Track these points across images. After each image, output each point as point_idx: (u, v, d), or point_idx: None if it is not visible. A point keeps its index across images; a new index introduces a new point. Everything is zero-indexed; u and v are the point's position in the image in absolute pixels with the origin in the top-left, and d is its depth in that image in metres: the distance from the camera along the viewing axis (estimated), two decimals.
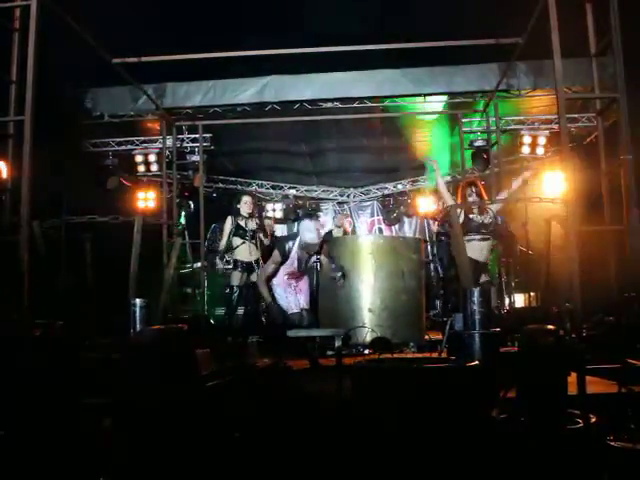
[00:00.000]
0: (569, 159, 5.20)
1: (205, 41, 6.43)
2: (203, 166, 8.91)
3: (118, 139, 9.43)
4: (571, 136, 8.49)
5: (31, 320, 3.67)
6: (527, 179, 6.70)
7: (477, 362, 2.85)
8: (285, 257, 5.41)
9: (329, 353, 5.60)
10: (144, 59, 6.34)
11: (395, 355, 5.71)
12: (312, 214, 10.52)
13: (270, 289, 5.41)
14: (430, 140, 9.80)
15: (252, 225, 6.14)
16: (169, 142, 8.83)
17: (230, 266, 6.63)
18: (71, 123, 7.77)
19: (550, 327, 3.00)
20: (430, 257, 10.10)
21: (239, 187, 11.86)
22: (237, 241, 6.14)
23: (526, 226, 8.60)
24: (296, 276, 5.45)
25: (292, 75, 7.67)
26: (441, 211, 10.65)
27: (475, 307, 4.25)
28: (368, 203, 12.85)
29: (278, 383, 3.17)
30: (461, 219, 5.75)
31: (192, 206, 10.50)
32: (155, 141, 9.48)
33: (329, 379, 3.94)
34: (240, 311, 7.27)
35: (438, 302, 9.15)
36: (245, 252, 6.12)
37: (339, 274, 5.22)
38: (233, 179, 11.89)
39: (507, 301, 7.53)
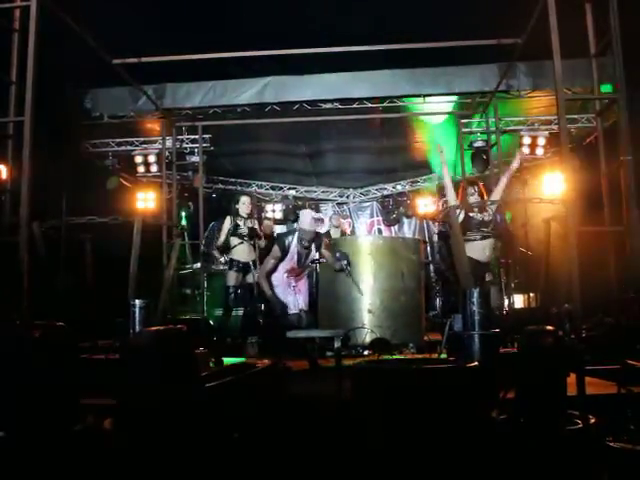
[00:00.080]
0: (569, 160, 5.21)
1: (205, 42, 6.43)
2: (203, 167, 8.93)
3: (118, 140, 9.43)
4: (571, 137, 8.50)
5: (31, 320, 3.67)
6: (522, 160, 6.66)
7: (476, 363, 2.85)
8: (285, 252, 5.43)
9: (328, 354, 5.60)
10: (144, 60, 6.35)
11: (394, 356, 5.73)
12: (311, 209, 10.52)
13: (270, 284, 5.42)
14: (431, 141, 9.79)
15: (250, 226, 6.14)
16: (169, 143, 8.84)
17: (226, 266, 6.61)
18: (71, 124, 7.77)
19: (549, 328, 3.00)
20: (430, 258, 10.11)
21: (239, 188, 11.86)
22: (235, 241, 6.13)
23: (526, 227, 8.61)
24: (296, 273, 5.45)
25: (292, 76, 7.67)
26: (441, 211, 10.66)
27: (474, 308, 4.25)
28: (367, 204, 12.86)
29: (277, 384, 3.18)
30: (461, 217, 5.74)
31: (192, 207, 10.51)
32: (155, 142, 9.48)
33: (328, 380, 3.95)
34: (239, 312, 7.27)
35: (438, 303, 9.16)
36: (242, 252, 6.11)
37: (344, 262, 5.19)
38: (233, 180, 11.89)
39: (506, 302, 7.52)
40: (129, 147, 9.51)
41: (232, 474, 2.45)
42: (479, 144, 8.94)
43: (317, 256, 5.48)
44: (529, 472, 2.55)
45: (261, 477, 2.58)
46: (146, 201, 10.07)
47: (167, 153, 8.90)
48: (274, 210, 11.86)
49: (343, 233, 9.45)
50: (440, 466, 2.39)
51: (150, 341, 2.46)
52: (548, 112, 8.66)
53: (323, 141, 10.00)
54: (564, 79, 5.04)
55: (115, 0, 5.75)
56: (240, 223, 6.17)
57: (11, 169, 5.05)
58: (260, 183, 12.19)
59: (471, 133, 9.11)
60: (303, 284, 5.61)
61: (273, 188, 12.31)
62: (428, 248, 10.48)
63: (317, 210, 12.56)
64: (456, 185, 6.32)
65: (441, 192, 11.41)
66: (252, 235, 5.98)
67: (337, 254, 5.24)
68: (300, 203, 12.14)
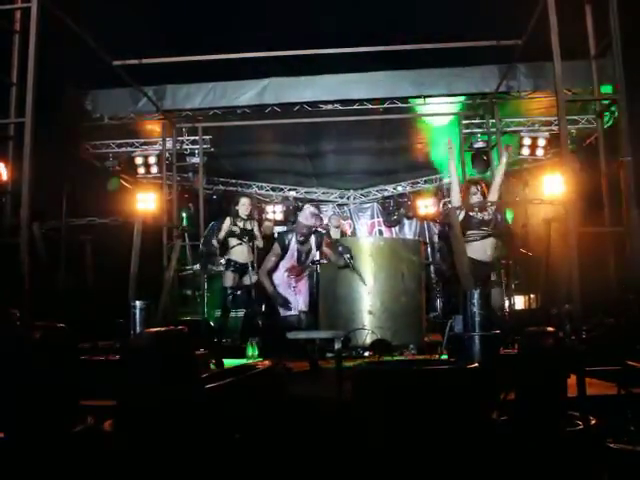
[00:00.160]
0: (569, 161, 5.21)
1: (205, 43, 6.44)
2: (203, 168, 8.94)
3: (118, 141, 9.43)
4: (571, 137, 8.50)
5: (31, 321, 3.67)
6: (510, 153, 6.66)
7: (477, 364, 2.85)
8: (285, 250, 5.43)
9: (329, 355, 5.60)
10: (144, 61, 6.36)
11: (395, 357, 5.73)
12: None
13: (272, 282, 5.42)
14: (431, 142, 9.79)
15: (249, 227, 6.14)
16: (169, 144, 8.85)
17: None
18: (71, 125, 7.77)
19: (550, 329, 3.00)
20: (430, 259, 10.10)
21: (239, 189, 11.86)
22: (233, 242, 6.14)
23: (526, 227, 8.61)
24: (296, 272, 5.45)
25: (292, 77, 7.68)
26: (442, 212, 10.66)
27: (475, 309, 4.25)
28: (368, 205, 12.86)
29: (278, 385, 3.18)
30: (461, 216, 5.74)
31: (192, 208, 10.52)
32: (155, 143, 9.48)
33: (329, 381, 3.95)
34: (239, 314, 7.27)
35: (438, 304, 9.15)
36: (240, 253, 6.11)
37: (347, 256, 5.20)
38: (233, 181, 11.89)
39: (507, 303, 7.52)
40: (129, 148, 9.52)
41: (233, 475, 2.45)
42: (479, 145, 8.94)
43: (318, 256, 5.48)
44: (530, 473, 2.55)
45: (262, 478, 2.58)
46: (146, 202, 10.06)
47: (167, 154, 8.91)
48: (274, 211, 11.86)
49: (343, 234, 9.45)
50: (441, 467, 2.39)
51: (150, 342, 2.46)
52: (548, 113, 8.66)
53: (323, 142, 10.00)
54: (564, 80, 5.04)
55: (115, 1, 5.76)
56: (239, 224, 6.17)
57: (12, 170, 5.06)
58: (260, 184, 12.19)
59: (472, 134, 9.11)
60: (303, 284, 5.60)
61: (273, 189, 12.32)
62: (429, 249, 10.48)
63: (318, 209, 12.53)
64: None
65: (442, 193, 11.44)
66: (242, 235, 5.98)
67: (340, 248, 5.24)
68: (300, 204, 12.13)
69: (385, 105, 8.19)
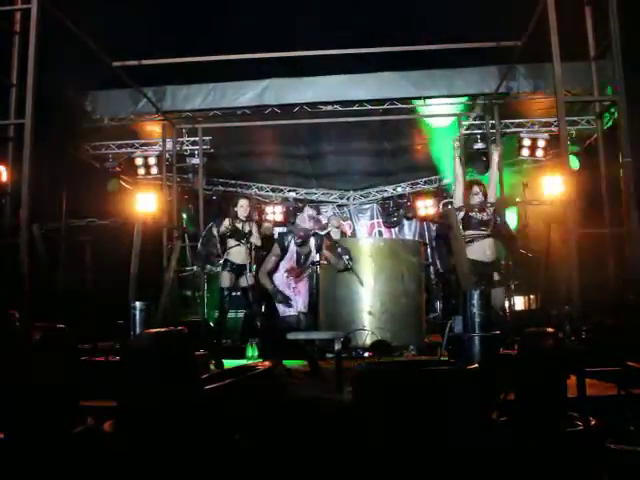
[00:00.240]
0: (568, 162, 5.22)
1: (205, 44, 6.45)
2: (203, 169, 8.94)
3: (118, 142, 9.43)
4: (571, 138, 8.50)
5: (31, 322, 3.67)
6: (501, 151, 6.67)
7: (477, 365, 2.85)
8: (284, 251, 5.43)
9: (329, 356, 5.60)
10: (144, 62, 6.35)
11: (395, 358, 5.73)
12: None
13: (272, 282, 5.43)
14: (431, 143, 9.79)
15: (248, 229, 6.14)
16: (169, 145, 8.85)
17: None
18: (71, 126, 7.77)
19: (549, 329, 3.00)
20: (430, 260, 10.11)
21: (239, 190, 11.86)
22: (231, 242, 6.14)
23: (526, 228, 8.61)
24: (296, 273, 5.45)
25: (292, 78, 7.68)
26: (439, 212, 10.65)
27: (475, 309, 4.25)
28: (368, 206, 12.85)
29: (278, 386, 3.18)
30: (461, 216, 5.74)
31: (192, 209, 10.52)
32: (155, 144, 9.48)
33: (329, 382, 3.95)
34: (239, 314, 7.26)
35: (438, 304, 9.16)
36: (238, 254, 6.11)
37: (346, 257, 5.21)
38: (233, 182, 11.89)
39: (507, 304, 7.53)
40: (129, 149, 9.52)
41: (233, 476, 2.45)
42: (479, 146, 8.94)
43: (318, 258, 5.48)
44: (530, 474, 2.55)
45: (262, 479, 2.58)
46: (146, 203, 10.06)
47: (167, 155, 8.91)
48: (274, 212, 11.87)
49: (343, 234, 9.45)
50: (441, 467, 2.39)
51: (150, 343, 2.46)
52: (548, 114, 8.66)
53: (323, 143, 10.01)
54: (564, 81, 5.05)
55: (115, 2, 5.77)
56: (238, 226, 6.17)
57: (12, 171, 5.06)
58: (260, 185, 12.19)
59: (471, 135, 9.11)
60: (303, 285, 5.60)
61: (273, 190, 12.31)
62: (428, 250, 10.48)
63: (317, 212, 12.54)
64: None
65: (441, 194, 11.44)
66: (233, 234, 5.98)
67: (339, 249, 5.25)
68: (300, 205, 12.13)
69: (385, 106, 8.19)
